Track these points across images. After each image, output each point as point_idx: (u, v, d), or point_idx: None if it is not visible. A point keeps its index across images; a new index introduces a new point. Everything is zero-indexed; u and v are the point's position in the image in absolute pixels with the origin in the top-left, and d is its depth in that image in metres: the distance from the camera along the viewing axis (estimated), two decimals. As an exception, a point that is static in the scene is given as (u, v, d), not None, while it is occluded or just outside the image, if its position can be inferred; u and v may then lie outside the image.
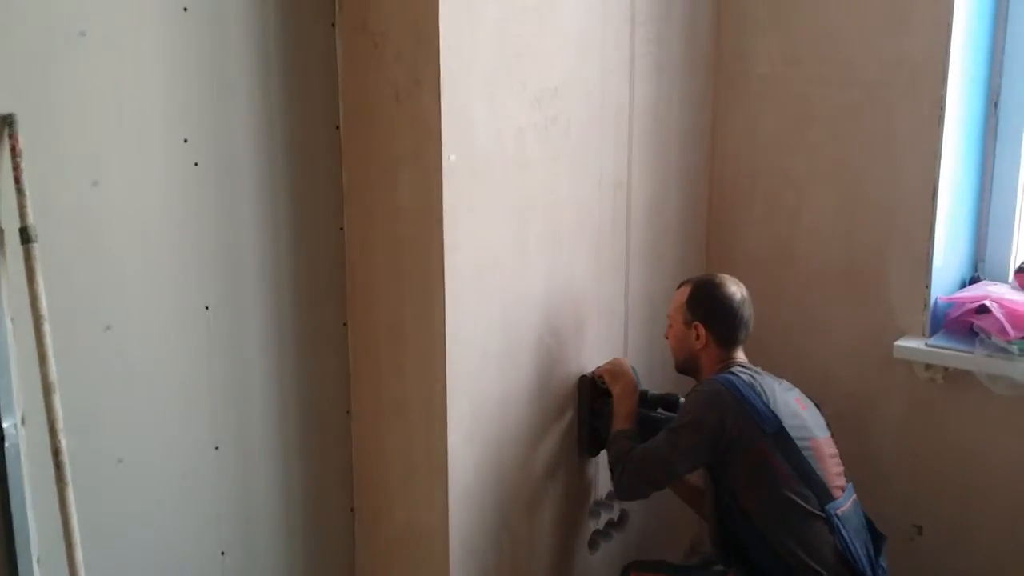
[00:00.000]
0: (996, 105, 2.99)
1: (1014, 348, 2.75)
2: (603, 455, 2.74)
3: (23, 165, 1.79)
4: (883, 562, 2.49)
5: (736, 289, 2.57)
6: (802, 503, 2.39)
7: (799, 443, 2.41)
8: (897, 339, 2.93)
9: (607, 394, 2.71)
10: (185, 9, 2.05)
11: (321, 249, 2.41)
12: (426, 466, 2.43)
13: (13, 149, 1.79)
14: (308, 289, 2.39)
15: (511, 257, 2.49)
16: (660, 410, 2.70)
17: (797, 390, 2.56)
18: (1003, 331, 2.76)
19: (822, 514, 2.39)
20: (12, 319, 1.84)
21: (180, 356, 2.15)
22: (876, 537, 2.52)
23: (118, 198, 1.99)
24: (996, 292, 2.89)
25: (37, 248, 1.80)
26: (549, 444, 2.70)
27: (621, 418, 2.63)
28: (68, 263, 1.93)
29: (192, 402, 2.19)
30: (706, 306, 2.56)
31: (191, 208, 2.13)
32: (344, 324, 2.49)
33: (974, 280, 3.09)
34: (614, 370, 2.71)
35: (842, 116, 3.00)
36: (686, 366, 2.63)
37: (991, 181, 3.04)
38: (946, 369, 2.91)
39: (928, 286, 2.92)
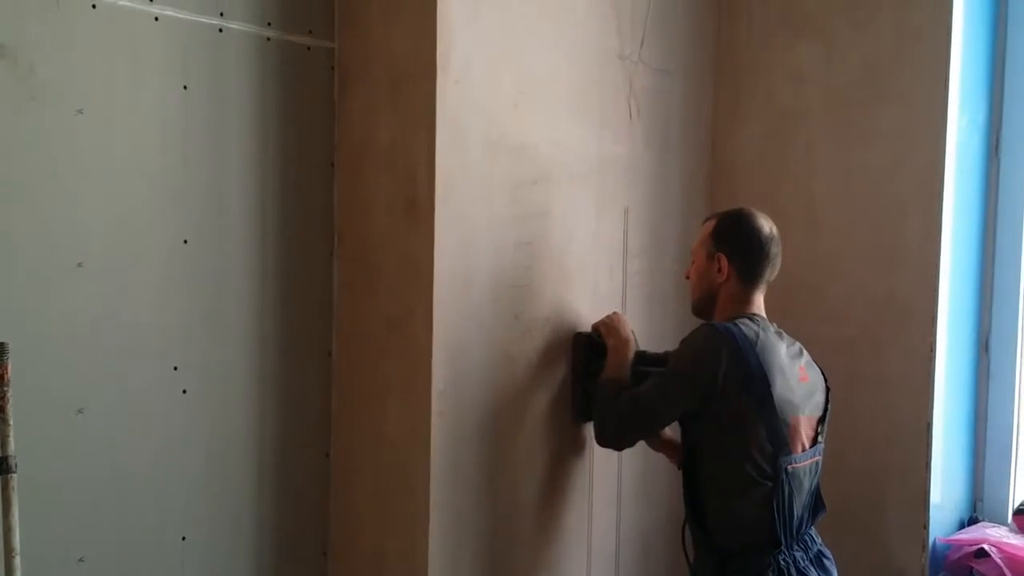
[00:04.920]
0: (987, 346, 3.01)
1: (1015, 596, 2.67)
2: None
3: (9, 394, 1.79)
4: (813, 531, 2.35)
5: (765, 223, 2.40)
6: (755, 475, 2.23)
7: (780, 413, 2.25)
8: (896, 582, 2.85)
9: (604, 353, 2.53)
10: (185, 241, 2.11)
11: (306, 476, 2.39)
12: None
13: (2, 378, 1.79)
14: (289, 516, 2.35)
15: (502, 478, 2.45)
16: (655, 369, 2.49)
17: (806, 357, 2.41)
18: (1003, 577, 2.69)
19: (768, 482, 2.23)
20: (-18, 551, 1.80)
21: (152, 590, 2.09)
22: (817, 505, 2.37)
23: (102, 426, 1.99)
24: (995, 535, 2.83)
25: (15, 479, 1.78)
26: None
27: (613, 367, 2.47)
28: (45, 492, 1.90)
29: (161, 637, 2.11)
30: (732, 236, 2.38)
31: (176, 436, 2.12)
32: (324, 554, 2.43)
33: (973, 520, 3.02)
34: (611, 324, 2.57)
35: (833, 352, 3.01)
36: (703, 305, 2.44)
37: (985, 420, 3.03)
38: (948, 615, 2.81)
39: (926, 526, 2.86)
